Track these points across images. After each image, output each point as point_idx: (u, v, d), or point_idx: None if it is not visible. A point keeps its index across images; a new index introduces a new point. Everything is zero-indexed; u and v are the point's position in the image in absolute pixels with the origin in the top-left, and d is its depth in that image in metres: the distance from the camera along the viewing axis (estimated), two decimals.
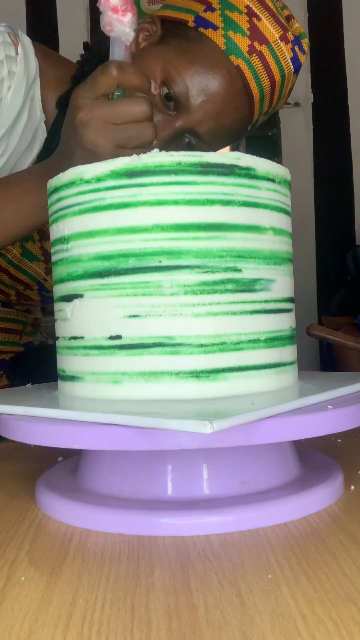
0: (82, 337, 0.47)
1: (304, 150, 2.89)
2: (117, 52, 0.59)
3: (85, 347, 0.47)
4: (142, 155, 0.44)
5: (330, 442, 0.63)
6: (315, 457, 0.53)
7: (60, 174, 0.48)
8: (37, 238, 0.82)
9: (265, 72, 0.70)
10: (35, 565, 0.37)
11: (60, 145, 0.63)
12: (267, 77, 0.70)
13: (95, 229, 0.46)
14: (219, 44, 0.69)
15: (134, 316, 0.44)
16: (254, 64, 0.69)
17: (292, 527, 0.41)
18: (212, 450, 0.43)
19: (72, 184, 0.47)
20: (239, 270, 0.45)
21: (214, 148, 0.74)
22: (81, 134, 0.58)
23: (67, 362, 0.49)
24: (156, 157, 0.44)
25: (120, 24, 0.57)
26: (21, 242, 0.80)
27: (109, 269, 0.45)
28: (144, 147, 0.58)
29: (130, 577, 0.35)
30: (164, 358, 0.44)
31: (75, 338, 0.47)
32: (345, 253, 2.70)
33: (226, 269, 0.44)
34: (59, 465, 0.55)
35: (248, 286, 0.45)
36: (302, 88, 2.86)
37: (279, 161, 2.78)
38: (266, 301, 0.47)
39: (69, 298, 0.48)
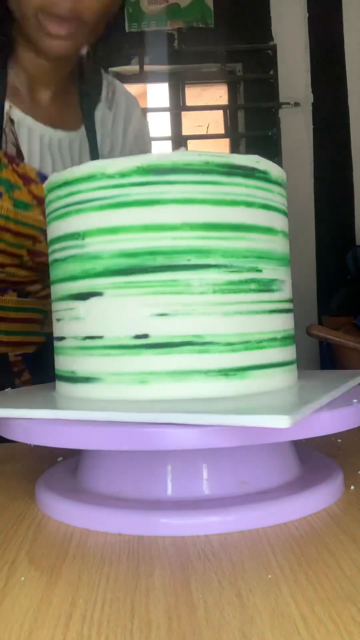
0: (100, 337, 0.45)
1: (303, 150, 2.89)
2: None
3: (104, 347, 0.45)
4: (170, 153, 0.44)
5: (330, 442, 0.63)
6: (315, 457, 0.53)
7: (76, 167, 0.47)
8: (22, 183, 0.79)
9: None
10: (35, 565, 0.37)
11: None
12: None
13: (119, 225, 0.45)
14: None
15: (163, 315, 0.44)
16: None
17: (292, 527, 0.41)
18: (212, 450, 0.43)
19: (91, 177, 0.46)
20: (260, 271, 0.46)
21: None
22: None
23: (80, 362, 0.47)
24: (185, 156, 0.44)
25: None
26: (8, 193, 0.78)
27: (134, 267, 0.44)
28: None
29: (130, 577, 0.35)
30: (193, 357, 0.44)
31: (91, 338, 0.46)
32: (345, 253, 2.70)
33: (249, 269, 0.45)
34: (59, 465, 0.55)
35: (267, 286, 0.46)
36: (302, 88, 2.86)
37: (279, 161, 2.78)
38: (280, 301, 0.48)
39: (84, 296, 0.46)
